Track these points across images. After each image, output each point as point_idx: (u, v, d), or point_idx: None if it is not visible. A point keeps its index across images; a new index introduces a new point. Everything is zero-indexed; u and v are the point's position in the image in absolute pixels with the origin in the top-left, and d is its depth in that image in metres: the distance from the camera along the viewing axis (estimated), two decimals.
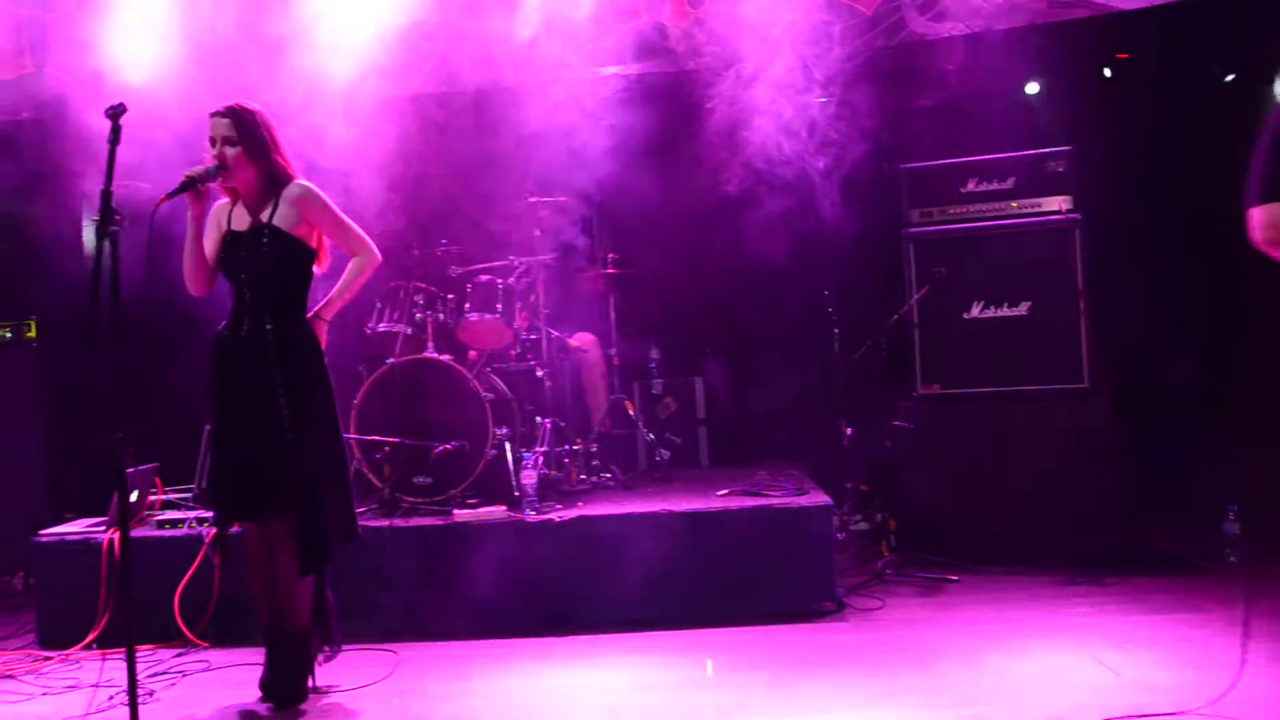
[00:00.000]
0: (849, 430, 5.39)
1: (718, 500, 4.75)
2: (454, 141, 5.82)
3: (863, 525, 5.61)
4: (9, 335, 6.02)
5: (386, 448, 4.96)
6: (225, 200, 3.76)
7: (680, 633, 4.33)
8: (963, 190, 5.31)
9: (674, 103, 5.66)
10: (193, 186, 3.55)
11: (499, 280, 5.45)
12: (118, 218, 3.07)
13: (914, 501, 5.22)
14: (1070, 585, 4.69)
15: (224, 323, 3.70)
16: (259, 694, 3.75)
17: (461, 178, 5.82)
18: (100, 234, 3.03)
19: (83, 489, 5.52)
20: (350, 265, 3.78)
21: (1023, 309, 5.17)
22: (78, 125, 5.45)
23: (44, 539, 4.74)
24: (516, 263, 5.55)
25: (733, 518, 4.53)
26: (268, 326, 3.61)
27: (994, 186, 5.27)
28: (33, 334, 5.99)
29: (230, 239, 3.69)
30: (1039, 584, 4.74)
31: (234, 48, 5.40)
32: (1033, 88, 5.93)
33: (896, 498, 5.30)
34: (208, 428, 4.59)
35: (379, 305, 5.38)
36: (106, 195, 3.09)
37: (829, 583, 4.49)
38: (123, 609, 2.99)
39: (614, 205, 5.90)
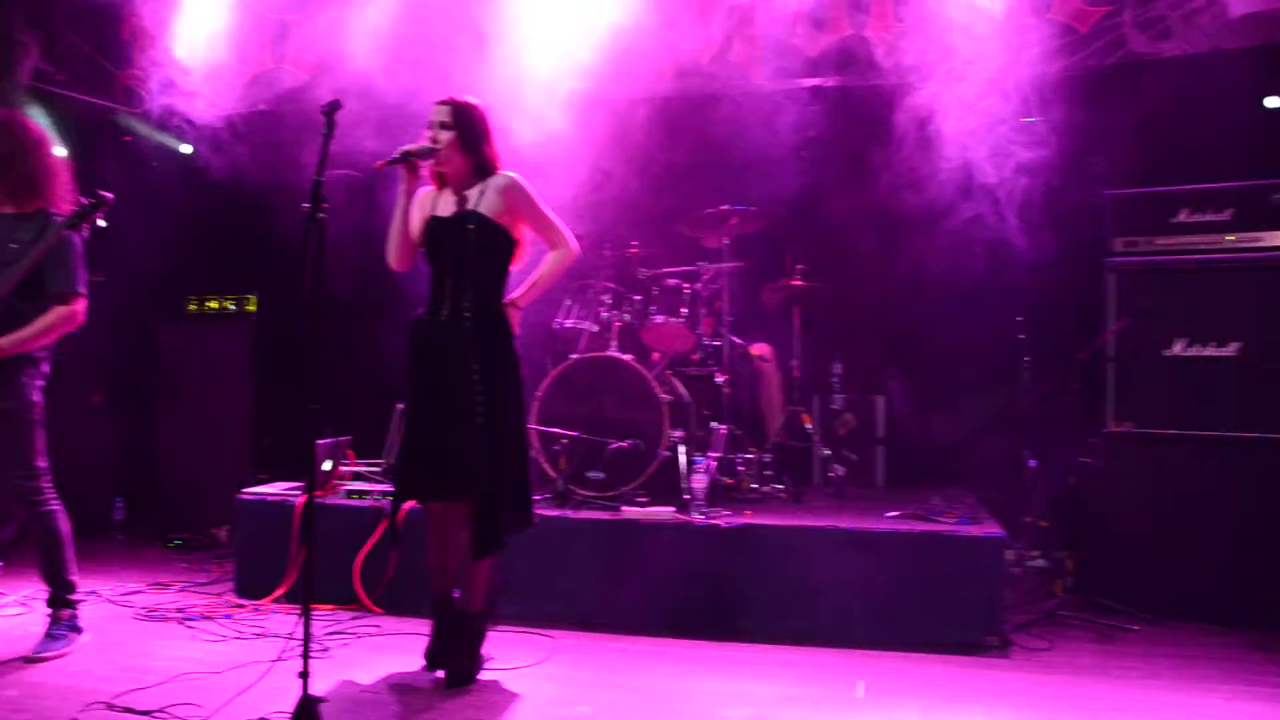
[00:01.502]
0: (1032, 462, 5.15)
1: (887, 522, 4.63)
2: (647, 146, 5.85)
3: (1039, 562, 5.35)
4: (232, 308, 6.49)
5: (564, 440, 5.05)
6: (432, 188, 3.84)
7: (834, 651, 4.24)
8: (1173, 220, 4.98)
9: (870, 115, 5.54)
10: (407, 160, 3.67)
11: (685, 285, 5.48)
12: (325, 205, 3.22)
13: (1096, 542, 4.94)
14: (1263, 650, 4.34)
15: (423, 306, 3.76)
16: (423, 662, 3.89)
17: (653, 182, 5.87)
18: (310, 219, 3.19)
19: (285, 453, 5.90)
20: (548, 258, 3.84)
21: (1231, 350, 4.81)
22: (304, 116, 5.85)
23: (246, 497, 5.05)
24: (704, 269, 5.57)
25: (900, 541, 4.41)
26: (466, 313, 3.66)
27: (1209, 217, 4.92)
28: (253, 307, 6.44)
29: (435, 224, 3.75)
30: (1227, 644, 4.39)
31: (445, 43, 5.61)
32: (1270, 104, 5.48)
33: (1077, 537, 5.03)
34: (400, 406, 4.81)
35: (568, 302, 5.49)
36: (317, 184, 3.24)
37: (995, 617, 4.30)
38: (305, 569, 3.16)
39: (803, 216, 5.83)
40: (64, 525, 4.12)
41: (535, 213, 3.78)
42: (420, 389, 3.69)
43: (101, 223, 4.02)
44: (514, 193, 3.73)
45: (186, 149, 6.77)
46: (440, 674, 3.82)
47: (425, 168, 3.78)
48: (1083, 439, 5.07)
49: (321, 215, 3.19)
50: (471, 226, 3.68)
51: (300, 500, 4.89)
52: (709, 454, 5.09)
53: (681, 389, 5.39)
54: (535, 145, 5.06)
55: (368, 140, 4.79)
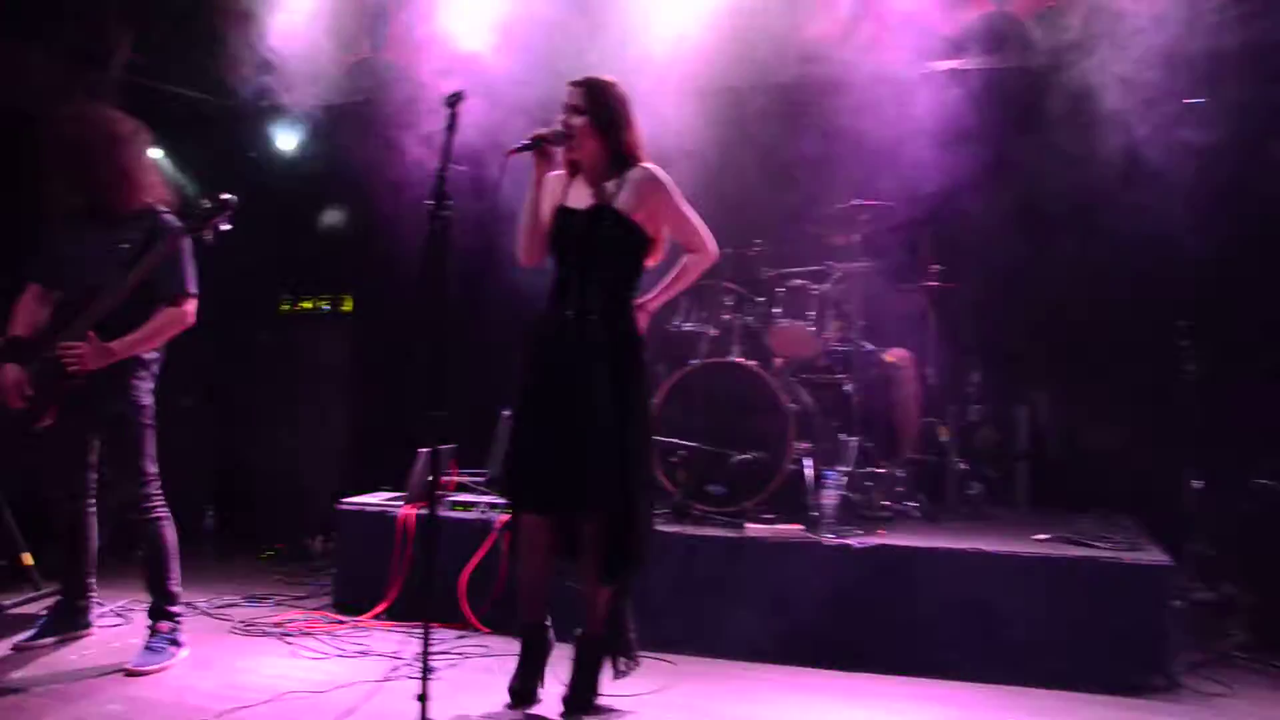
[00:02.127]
0: (1198, 483, 5.01)
1: (1035, 545, 4.54)
2: (770, 137, 5.84)
3: (1206, 596, 5.18)
4: (327, 308, 6.65)
5: (683, 452, 5.04)
6: (561, 173, 3.76)
7: (977, 686, 4.15)
8: None
9: (1017, 99, 5.45)
10: (539, 145, 3.62)
11: (813, 286, 5.44)
12: (449, 201, 3.28)
13: (1277, 577, 4.77)
14: None
15: (545, 305, 3.69)
16: (507, 699, 3.76)
17: (777, 176, 5.83)
18: (434, 217, 3.23)
19: (385, 461, 5.99)
20: (685, 259, 3.83)
21: None
22: (405, 107, 5.98)
23: (345, 506, 5.15)
24: (833, 269, 5.53)
25: (1051, 567, 4.30)
26: (593, 314, 3.58)
27: None
28: (349, 307, 6.59)
29: (564, 215, 3.69)
30: None
31: (555, 25, 5.66)
32: None
33: (1254, 569, 4.87)
34: (506, 413, 4.85)
35: (685, 303, 5.49)
36: (441, 179, 3.28)
37: (1162, 656, 4.16)
38: (425, 586, 3.23)
39: (941, 213, 5.74)
40: (171, 534, 4.25)
41: (675, 211, 3.72)
42: (540, 393, 3.64)
43: (226, 226, 4.11)
44: (653, 188, 3.67)
45: (281, 141, 6.97)
46: (533, 710, 3.76)
47: (558, 154, 3.73)
48: (1258, 458, 4.91)
49: (447, 212, 3.24)
50: (606, 222, 3.62)
51: (403, 511, 4.98)
52: (838, 468, 5.04)
53: (807, 398, 5.36)
54: (649, 135, 5.08)
55: (471, 129, 4.85)
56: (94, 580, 4.49)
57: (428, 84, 5.75)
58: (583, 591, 3.71)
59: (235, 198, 4.10)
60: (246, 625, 4.74)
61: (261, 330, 6.71)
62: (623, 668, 3.83)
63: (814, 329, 5.37)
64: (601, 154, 3.68)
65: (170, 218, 4.19)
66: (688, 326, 5.44)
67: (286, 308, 6.70)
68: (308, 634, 4.63)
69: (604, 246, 3.64)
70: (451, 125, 3.36)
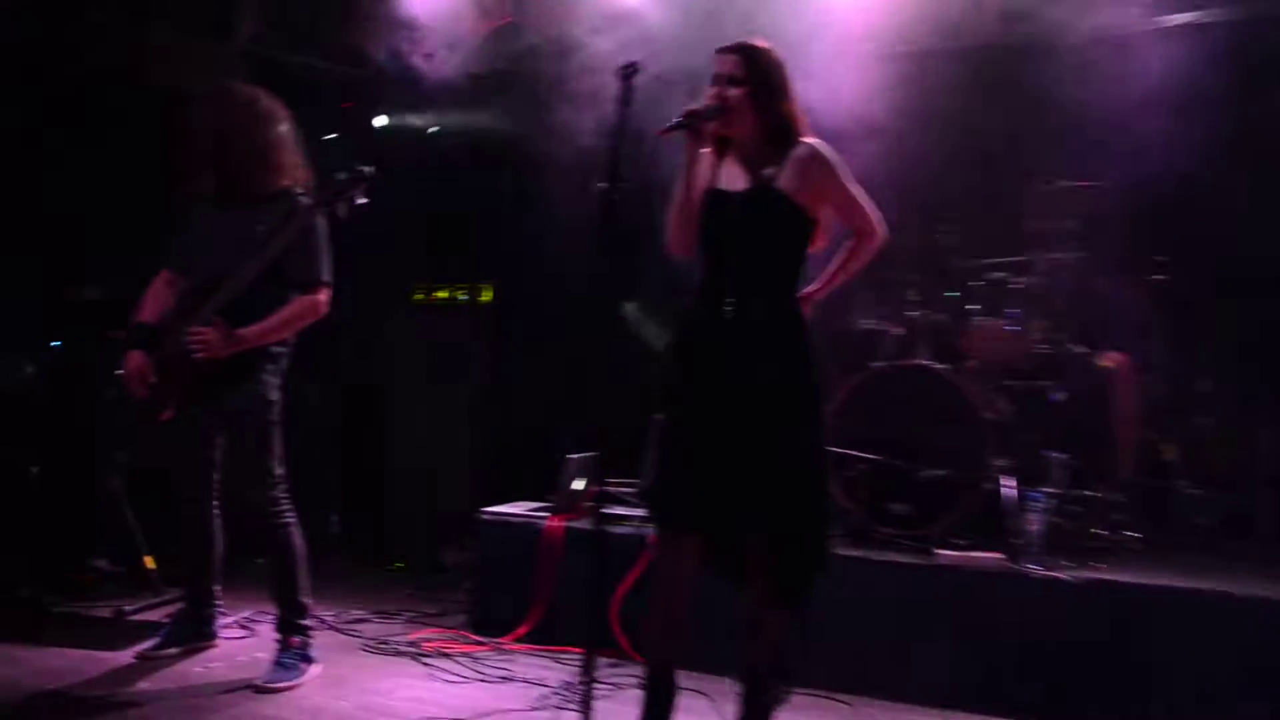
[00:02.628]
0: None
1: None
2: (965, 109, 5.58)
3: None
4: (464, 298, 6.57)
5: (863, 465, 4.86)
6: (709, 153, 3.62)
7: None
8: None
9: (1265, 58, 5.09)
10: (692, 124, 3.46)
11: (1014, 279, 5.21)
12: (623, 183, 3.17)
13: None
14: None
15: (695, 298, 3.56)
16: None
17: (973, 153, 5.60)
18: (606, 199, 3.14)
19: (526, 468, 5.89)
20: (851, 244, 3.67)
21: None
22: (548, 78, 5.85)
23: (486, 516, 5.05)
24: (1036, 260, 5.26)
25: None
26: (755, 309, 3.46)
27: None
28: (488, 297, 6.50)
29: (717, 199, 3.57)
30: None
31: None
32: None
33: None
34: (658, 418, 4.67)
35: (865, 297, 5.34)
36: (614, 158, 3.20)
37: None
38: (584, 608, 3.09)
39: (1167, 196, 5.39)
40: (299, 542, 4.20)
41: (842, 191, 3.56)
42: (695, 397, 3.50)
43: (361, 200, 4.02)
44: (819, 166, 3.51)
45: (416, 116, 6.92)
46: None
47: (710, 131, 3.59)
48: None
49: (618, 195, 3.14)
50: (766, 205, 3.49)
51: (551, 524, 4.85)
52: (1043, 489, 4.76)
53: (1008, 407, 5.13)
54: (825, 107, 4.83)
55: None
56: (219, 588, 4.48)
57: (579, 48, 5.60)
58: (751, 618, 3.58)
59: (372, 169, 4.00)
60: (379, 643, 4.69)
61: (393, 321, 6.66)
62: (780, 695, 3.69)
63: (1015, 329, 5.14)
64: (759, 129, 3.53)
65: (305, 199, 4.15)
66: (868, 324, 5.26)
67: (420, 298, 6.63)
68: (445, 655, 4.56)
69: (765, 233, 3.49)
70: (626, 100, 3.25)
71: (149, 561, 5.12)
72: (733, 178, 3.57)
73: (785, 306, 3.52)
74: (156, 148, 4.70)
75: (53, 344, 5.65)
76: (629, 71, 3.24)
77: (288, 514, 4.16)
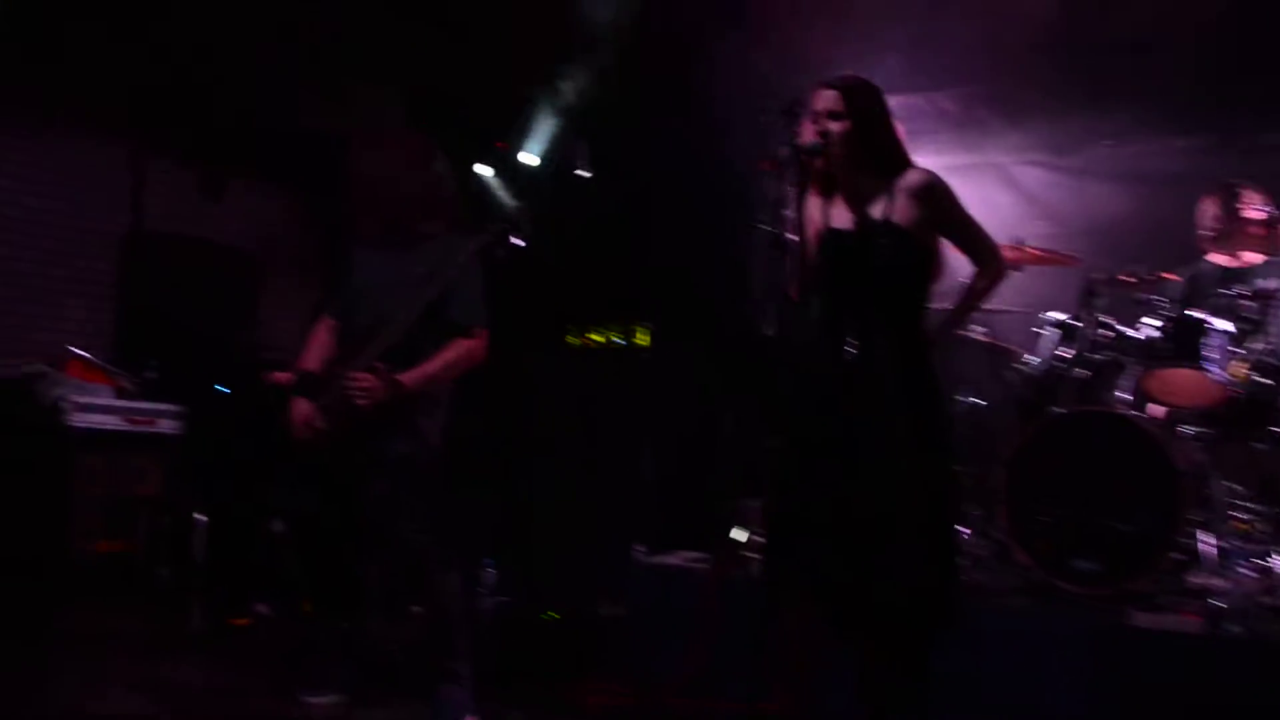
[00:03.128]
0: None
1: None
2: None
3: None
4: (619, 341, 6.62)
5: (1044, 518, 4.73)
6: (815, 190, 3.63)
7: None
8: None
9: None
10: (799, 159, 3.44)
11: (1212, 319, 4.94)
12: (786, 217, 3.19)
13: None
14: None
15: (810, 343, 3.56)
16: None
17: (1165, 176, 5.44)
18: (773, 240, 3.19)
19: (685, 515, 5.88)
20: (975, 277, 3.66)
21: None
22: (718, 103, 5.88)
23: (642, 565, 5.09)
24: (1240, 290, 5.00)
25: None
26: (879, 351, 3.43)
27: None
28: (644, 340, 6.54)
29: (831, 239, 3.56)
30: None
31: None
32: None
33: None
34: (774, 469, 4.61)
35: (1045, 334, 5.19)
36: (778, 199, 3.25)
37: None
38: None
39: None
40: (458, 591, 4.25)
41: (959, 219, 3.58)
42: (812, 448, 3.44)
43: (519, 242, 4.13)
44: (931, 194, 3.51)
45: (576, 152, 7.04)
46: None
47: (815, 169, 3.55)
48: None
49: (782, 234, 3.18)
50: (883, 240, 3.48)
51: (713, 573, 4.84)
52: (1246, 546, 4.56)
53: (1205, 456, 4.93)
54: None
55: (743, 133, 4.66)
56: (374, 635, 4.57)
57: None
58: (876, 679, 3.53)
59: (525, 208, 4.09)
60: (536, 695, 4.71)
61: (544, 365, 6.77)
62: None
63: (1214, 370, 4.87)
64: (864, 162, 3.54)
65: (463, 240, 4.23)
66: (1047, 364, 5.07)
67: (573, 340, 6.69)
68: (603, 708, 4.58)
69: (887, 269, 3.48)
70: (792, 140, 3.32)
71: (307, 606, 5.25)
72: (842, 215, 3.59)
73: (912, 347, 3.50)
74: (321, 192, 4.88)
75: (219, 388, 5.90)
76: (794, 110, 3.29)
77: (447, 562, 4.21)
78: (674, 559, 5.18)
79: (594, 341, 6.70)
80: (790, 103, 3.32)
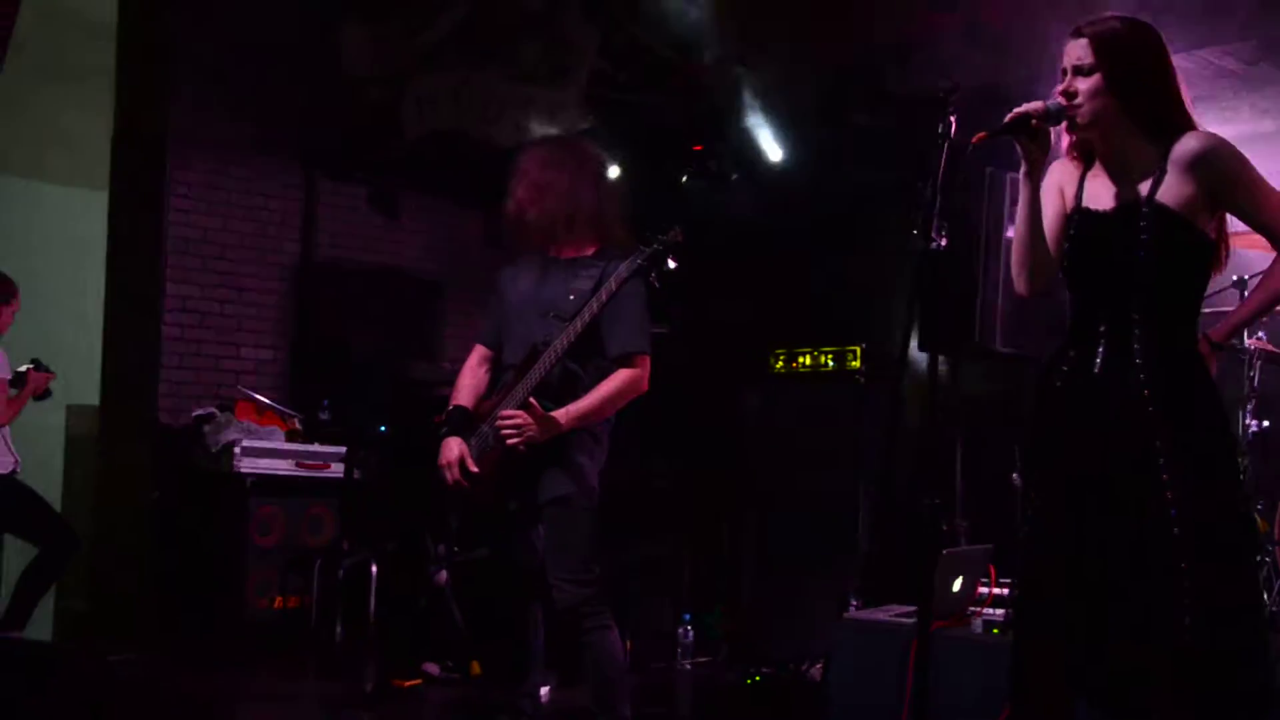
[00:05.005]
0: None
1: None
2: None
3: None
4: (831, 364, 6.66)
5: None
6: (1069, 162, 3.44)
7: None
8: None
9: None
10: (1025, 126, 3.23)
11: None
12: (944, 232, 3.07)
13: None
14: None
15: (1059, 350, 3.37)
16: None
17: None
18: (922, 253, 3.06)
19: (910, 562, 5.85)
20: (1272, 270, 3.27)
21: None
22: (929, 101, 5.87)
23: (847, 620, 5.13)
24: None
25: None
26: (1138, 360, 3.19)
27: None
28: (856, 363, 6.57)
29: (1082, 220, 3.35)
30: None
31: None
32: None
33: None
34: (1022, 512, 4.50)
35: None
36: (931, 203, 3.07)
37: None
38: None
39: None
40: (618, 647, 4.34)
41: (1252, 191, 3.23)
42: (1064, 484, 3.28)
43: (672, 264, 4.22)
44: (1214, 162, 3.21)
45: (775, 156, 7.16)
46: None
47: (1060, 138, 3.34)
48: None
49: (940, 244, 3.05)
50: (1145, 224, 3.21)
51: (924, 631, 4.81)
52: None
53: None
54: None
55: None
56: (545, 692, 4.71)
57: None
58: None
59: (679, 231, 4.19)
60: None
61: (751, 392, 6.87)
62: None
63: None
64: (1127, 127, 3.27)
65: (621, 260, 4.32)
66: None
67: (780, 366, 6.79)
68: None
69: (1149, 261, 3.22)
70: (946, 133, 3.11)
71: (475, 668, 5.50)
72: (1102, 193, 3.35)
73: (1180, 356, 3.25)
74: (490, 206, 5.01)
75: (380, 429, 6.24)
76: (949, 94, 3.16)
77: (606, 615, 4.28)
78: (884, 613, 5.16)
79: (804, 366, 6.77)
80: (947, 87, 3.16)
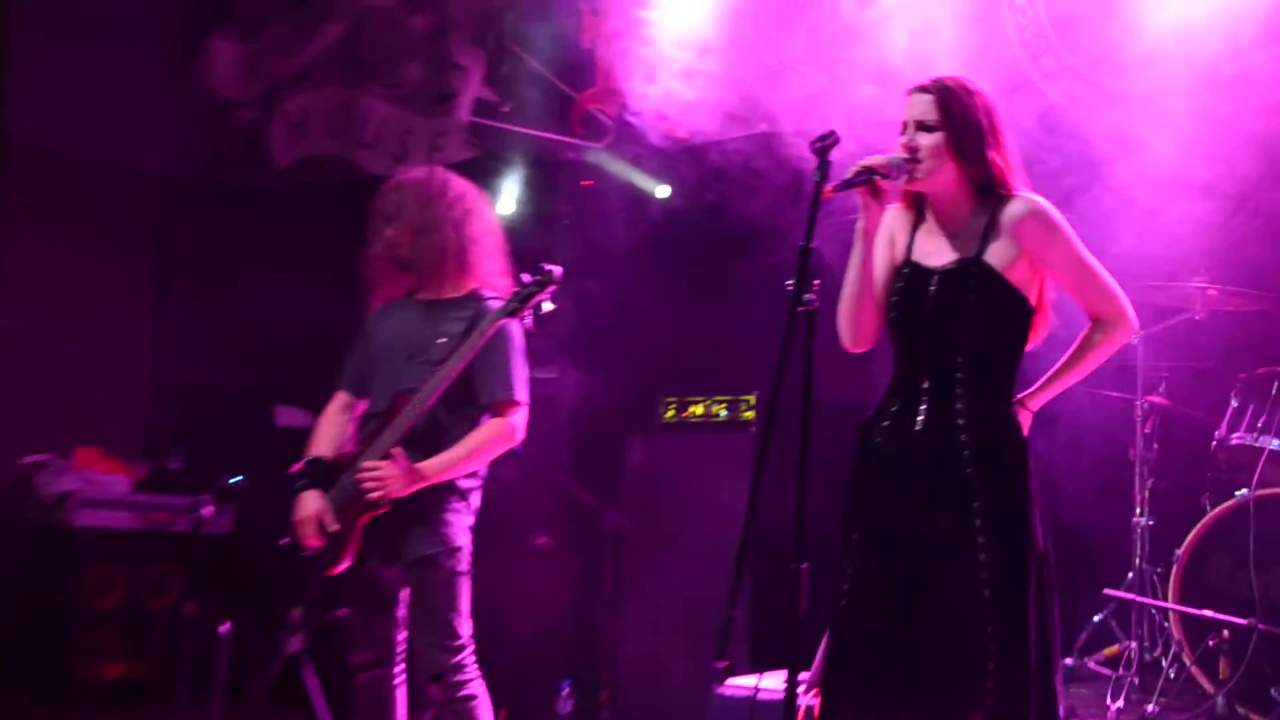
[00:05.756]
0: None
1: None
2: None
3: None
4: (723, 415, 6.64)
5: (1226, 631, 4.67)
6: (902, 211, 3.68)
7: None
8: None
9: None
10: (870, 180, 3.47)
11: None
12: (815, 285, 3.24)
13: None
14: None
15: (881, 406, 3.61)
16: None
17: None
18: (794, 301, 3.22)
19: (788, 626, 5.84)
20: (1090, 332, 3.60)
21: None
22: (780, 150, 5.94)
23: (722, 694, 5.14)
24: None
25: None
26: (959, 420, 3.45)
27: None
28: (750, 414, 6.54)
29: (910, 275, 3.59)
30: None
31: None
32: None
33: None
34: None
35: (1234, 404, 5.17)
36: (804, 253, 3.27)
37: None
38: None
39: None
40: (490, 716, 4.30)
41: (1072, 260, 3.54)
42: (874, 539, 3.51)
43: (548, 305, 4.23)
44: (1037, 228, 3.49)
45: (663, 192, 7.17)
46: None
47: (894, 191, 3.59)
48: None
49: (811, 297, 3.23)
50: (971, 283, 3.48)
51: (805, 702, 4.77)
52: None
53: None
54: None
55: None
56: None
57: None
58: None
59: (558, 270, 4.18)
60: None
61: (639, 444, 6.79)
62: None
63: None
64: (962, 184, 3.53)
65: (495, 302, 4.34)
66: (1236, 439, 5.08)
67: (671, 415, 6.75)
68: None
69: (972, 320, 3.49)
70: (820, 177, 3.32)
71: None
72: (932, 248, 3.58)
73: (996, 418, 3.50)
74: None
75: (232, 480, 6.07)
76: (825, 145, 3.32)
77: (473, 683, 4.26)
78: (768, 684, 5.10)
79: (694, 417, 6.73)
80: (823, 136, 3.33)
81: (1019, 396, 3.59)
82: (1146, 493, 5.31)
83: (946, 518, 3.42)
